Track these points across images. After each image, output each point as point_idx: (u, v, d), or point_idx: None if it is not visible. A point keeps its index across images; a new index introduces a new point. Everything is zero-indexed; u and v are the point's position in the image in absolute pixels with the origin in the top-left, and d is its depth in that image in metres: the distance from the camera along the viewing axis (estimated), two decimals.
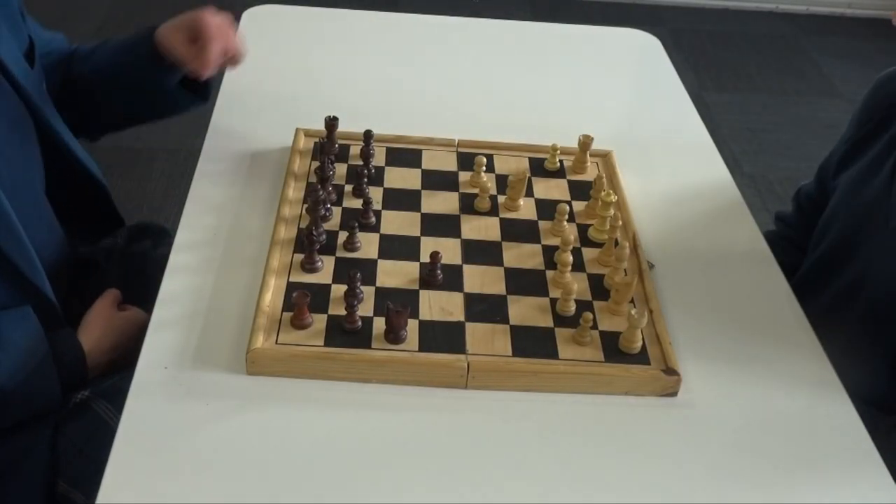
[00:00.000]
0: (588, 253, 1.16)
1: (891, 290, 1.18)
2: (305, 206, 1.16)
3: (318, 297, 1.03)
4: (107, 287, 1.25)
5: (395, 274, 1.09)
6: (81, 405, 1.10)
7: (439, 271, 1.08)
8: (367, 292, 1.05)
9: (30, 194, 1.15)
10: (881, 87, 1.28)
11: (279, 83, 1.52)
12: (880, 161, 1.22)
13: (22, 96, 1.13)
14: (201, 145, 1.32)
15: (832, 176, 1.33)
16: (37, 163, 1.17)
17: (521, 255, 1.15)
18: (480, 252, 1.15)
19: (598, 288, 1.11)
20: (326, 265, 1.09)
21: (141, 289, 1.27)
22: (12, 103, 1.12)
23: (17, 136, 1.12)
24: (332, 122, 1.28)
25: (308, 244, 1.08)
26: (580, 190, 1.28)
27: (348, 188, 1.23)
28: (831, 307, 1.24)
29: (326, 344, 0.98)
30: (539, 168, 1.32)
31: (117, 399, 1.07)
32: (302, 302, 0.98)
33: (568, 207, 1.19)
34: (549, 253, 1.15)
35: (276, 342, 0.98)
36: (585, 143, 1.31)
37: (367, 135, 1.29)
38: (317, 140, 1.31)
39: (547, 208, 1.23)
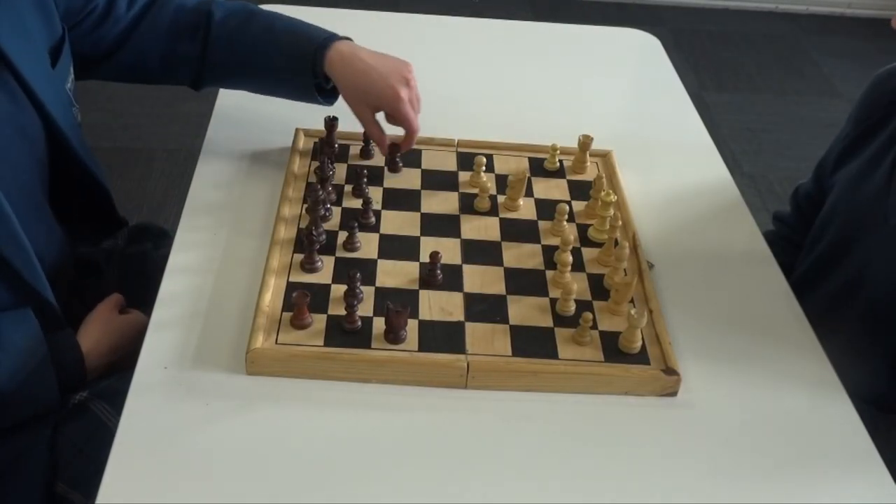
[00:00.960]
0: (588, 253, 1.16)
1: (890, 289, 1.18)
2: (305, 206, 1.16)
3: (317, 297, 1.03)
4: (107, 288, 1.25)
5: (395, 274, 1.09)
6: (80, 406, 1.10)
7: (439, 271, 1.08)
8: (367, 292, 1.05)
9: (32, 197, 1.15)
10: (879, 84, 1.28)
11: None
12: (878, 158, 1.22)
13: (35, 102, 1.12)
14: (201, 145, 1.32)
15: (829, 173, 1.33)
16: (41, 167, 1.17)
17: (520, 255, 1.15)
18: (480, 252, 1.15)
19: (598, 288, 1.11)
20: (326, 265, 1.09)
21: (141, 290, 1.27)
22: (24, 109, 1.11)
23: (25, 142, 1.12)
24: (331, 123, 1.28)
25: (308, 244, 1.08)
26: (580, 190, 1.28)
27: (348, 188, 1.23)
28: (830, 305, 1.24)
29: (326, 344, 0.98)
30: (539, 168, 1.32)
31: (116, 400, 1.06)
32: (302, 302, 0.98)
33: (568, 207, 1.19)
34: (549, 253, 1.15)
35: (276, 342, 0.98)
36: (585, 143, 1.31)
37: (367, 135, 1.29)
38: (316, 140, 1.31)
39: (547, 208, 1.23)
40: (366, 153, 1.30)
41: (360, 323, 1.00)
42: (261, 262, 1.09)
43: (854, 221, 1.24)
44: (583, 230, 1.20)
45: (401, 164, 1.27)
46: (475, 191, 1.24)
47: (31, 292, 1.08)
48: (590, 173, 1.32)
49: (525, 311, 1.06)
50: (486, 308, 1.06)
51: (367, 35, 1.73)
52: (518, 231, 1.19)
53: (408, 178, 1.27)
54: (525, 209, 1.23)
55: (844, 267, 1.25)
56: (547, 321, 1.05)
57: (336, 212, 1.18)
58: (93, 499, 0.83)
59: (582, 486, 0.90)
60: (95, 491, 0.83)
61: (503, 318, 1.04)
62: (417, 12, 1.87)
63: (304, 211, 1.17)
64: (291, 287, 1.04)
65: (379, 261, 1.11)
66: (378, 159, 1.29)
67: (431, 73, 1.61)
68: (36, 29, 1.13)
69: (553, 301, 1.08)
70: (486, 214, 1.21)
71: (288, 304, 1.02)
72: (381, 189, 1.24)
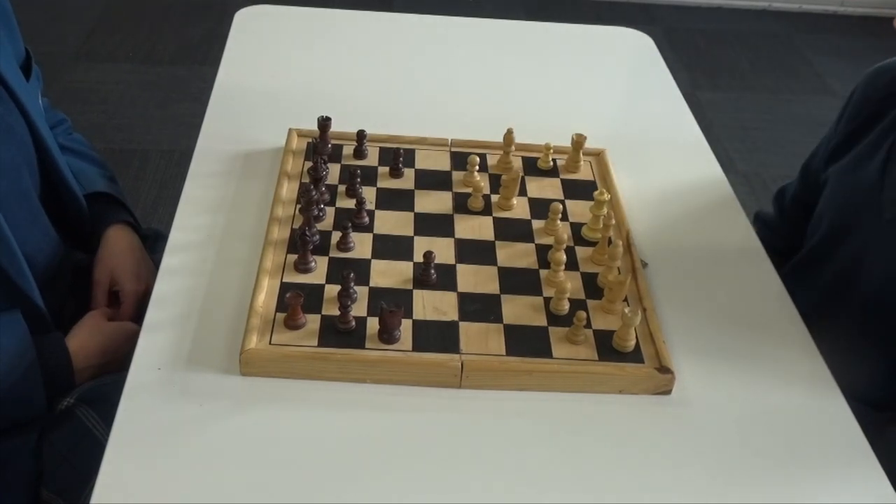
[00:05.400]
0: (581, 252, 1.16)
1: (884, 285, 1.18)
2: (299, 206, 1.16)
3: (311, 298, 1.03)
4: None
5: (389, 274, 1.09)
6: (66, 413, 1.10)
7: (433, 271, 1.08)
8: (361, 292, 1.05)
9: (24, 199, 1.14)
10: (871, 81, 1.28)
11: (272, 83, 1.52)
12: (871, 154, 1.22)
13: (18, 105, 1.12)
14: (194, 146, 1.32)
15: (823, 168, 1.33)
16: (32, 170, 1.17)
17: (514, 255, 1.15)
18: (474, 251, 1.15)
19: (592, 286, 1.11)
20: (320, 265, 1.09)
21: None
22: (8, 109, 1.11)
23: (13, 142, 1.12)
24: (325, 123, 1.28)
25: (301, 244, 1.08)
26: (573, 189, 1.28)
27: (341, 188, 1.23)
28: (824, 302, 1.24)
29: (320, 344, 0.98)
30: (532, 167, 1.32)
31: (102, 406, 1.07)
32: (295, 302, 0.98)
33: (561, 206, 1.19)
34: (543, 252, 1.15)
35: (270, 343, 0.98)
36: (578, 141, 1.31)
37: (361, 135, 1.29)
38: (310, 140, 1.31)
39: (540, 207, 1.23)
40: (359, 153, 1.29)
41: (353, 323, 1.00)
42: (254, 262, 1.09)
43: (847, 217, 1.24)
44: (576, 229, 1.20)
45: (402, 170, 1.27)
46: (468, 190, 1.24)
47: (20, 294, 1.08)
48: (583, 172, 1.32)
49: (519, 310, 1.06)
50: (479, 307, 1.06)
51: (360, 35, 1.74)
52: (512, 230, 1.19)
53: (401, 178, 1.27)
54: (519, 208, 1.23)
55: (837, 263, 1.25)
56: (541, 320, 1.05)
57: (330, 212, 1.18)
58: None
59: (576, 484, 0.90)
60: (80, 498, 0.83)
61: (497, 318, 1.05)
62: (411, 12, 1.87)
63: (297, 211, 1.16)
64: (285, 287, 1.04)
65: (373, 261, 1.11)
66: (372, 159, 1.29)
67: (425, 73, 1.62)
68: (7, 42, 1.14)
69: (547, 300, 1.08)
70: (480, 214, 1.22)
71: (282, 305, 1.02)
72: (374, 189, 1.24)
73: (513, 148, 1.30)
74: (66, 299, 1.25)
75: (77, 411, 1.10)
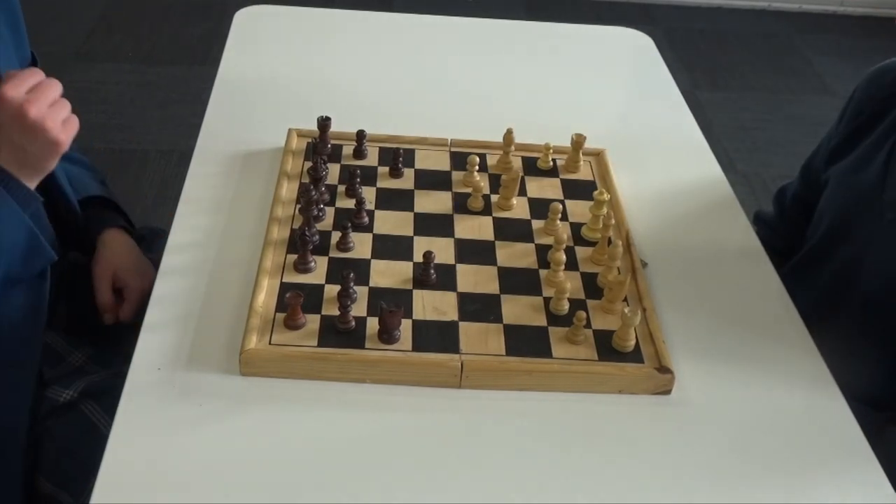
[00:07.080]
0: (581, 251, 1.16)
1: (886, 285, 1.18)
2: (298, 206, 1.16)
3: (311, 298, 1.03)
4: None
5: (389, 274, 1.09)
6: (68, 406, 1.10)
7: (432, 271, 1.08)
8: (361, 292, 1.05)
9: None
10: (873, 80, 1.28)
11: (272, 83, 1.52)
12: (872, 154, 1.22)
13: None
14: (194, 146, 1.32)
15: (823, 168, 1.33)
16: None
17: (514, 255, 1.15)
18: (474, 251, 1.15)
19: (592, 286, 1.11)
20: (319, 265, 1.09)
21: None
22: None
23: None
24: (324, 123, 1.28)
25: (301, 244, 1.08)
26: (573, 189, 1.28)
27: (341, 188, 1.23)
28: (824, 301, 1.24)
29: (320, 344, 0.98)
30: (532, 167, 1.32)
31: (105, 400, 1.07)
32: (295, 302, 0.98)
33: (561, 206, 1.19)
34: (543, 252, 1.15)
35: (270, 343, 0.98)
36: (578, 141, 1.31)
37: (360, 135, 1.29)
38: (309, 140, 1.31)
39: (540, 207, 1.23)
40: (359, 153, 1.29)
41: (353, 323, 1.00)
42: (254, 262, 1.09)
43: (847, 217, 1.24)
44: (576, 229, 1.20)
45: (402, 170, 1.27)
46: (468, 190, 1.24)
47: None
48: (583, 172, 1.32)
49: (519, 310, 1.06)
50: (479, 307, 1.06)
51: (360, 35, 1.74)
52: (511, 230, 1.19)
53: (401, 178, 1.27)
54: (518, 208, 1.23)
55: (837, 263, 1.25)
56: (541, 320, 1.05)
57: (329, 212, 1.18)
58: (81, 499, 0.83)
59: (576, 484, 0.90)
60: (84, 491, 0.83)
61: (497, 318, 1.05)
62: (411, 12, 1.87)
63: (297, 211, 1.16)
64: (285, 287, 1.04)
65: (372, 261, 1.11)
66: (372, 159, 1.29)
67: (425, 73, 1.62)
68: (11, 44, 1.14)
69: (547, 300, 1.08)
70: (480, 214, 1.22)
71: (282, 305, 1.02)
72: (374, 189, 1.24)
73: (512, 148, 1.31)
74: (58, 298, 1.25)
75: (81, 406, 1.10)
